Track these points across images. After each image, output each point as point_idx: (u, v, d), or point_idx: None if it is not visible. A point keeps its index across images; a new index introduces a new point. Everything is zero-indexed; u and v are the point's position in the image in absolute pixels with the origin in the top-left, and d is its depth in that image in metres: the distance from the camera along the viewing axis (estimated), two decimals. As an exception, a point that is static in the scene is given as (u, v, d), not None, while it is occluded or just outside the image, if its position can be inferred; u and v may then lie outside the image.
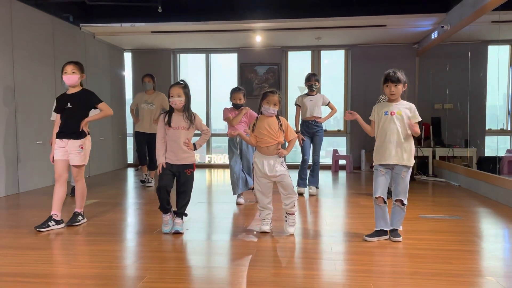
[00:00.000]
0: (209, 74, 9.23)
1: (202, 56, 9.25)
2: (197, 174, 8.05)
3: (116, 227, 3.92)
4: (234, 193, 4.94)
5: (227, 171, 7.74)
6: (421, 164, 7.63)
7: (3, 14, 5.53)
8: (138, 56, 9.20)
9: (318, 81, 5.65)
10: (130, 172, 8.38)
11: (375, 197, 3.39)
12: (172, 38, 8.13)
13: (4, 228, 3.89)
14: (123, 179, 7.44)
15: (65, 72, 3.82)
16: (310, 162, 5.59)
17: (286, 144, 3.62)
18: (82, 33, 7.38)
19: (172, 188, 3.61)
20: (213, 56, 9.29)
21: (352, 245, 3.33)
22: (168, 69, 9.06)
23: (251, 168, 4.15)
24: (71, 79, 3.84)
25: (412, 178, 7.02)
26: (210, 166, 9.06)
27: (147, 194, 5.74)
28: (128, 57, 9.25)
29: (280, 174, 3.46)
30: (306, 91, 5.65)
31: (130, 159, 9.30)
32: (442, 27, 6.63)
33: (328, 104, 5.62)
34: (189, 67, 9.52)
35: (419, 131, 3.33)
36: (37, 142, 6.00)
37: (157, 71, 8.23)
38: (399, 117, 3.34)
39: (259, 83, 8.75)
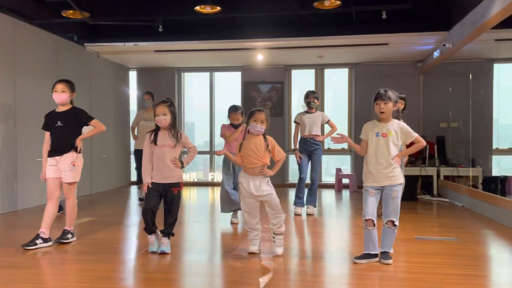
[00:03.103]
0: (213, 93, 9.24)
1: (206, 74, 9.29)
2: (200, 191, 8.08)
3: (104, 246, 3.87)
4: (221, 211, 4.86)
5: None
6: (425, 184, 7.47)
7: (6, 34, 5.62)
8: (143, 74, 9.29)
9: (317, 98, 5.59)
10: (133, 189, 8.37)
11: (365, 219, 3.29)
12: (176, 56, 8.19)
13: (-7, 246, 3.87)
14: (123, 197, 7.43)
15: (55, 91, 3.83)
16: (308, 181, 5.50)
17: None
18: (86, 52, 7.49)
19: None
20: (217, 75, 9.33)
21: (340, 267, 3.23)
22: (172, 87, 9.10)
23: None
24: (61, 98, 3.85)
25: (415, 198, 6.89)
26: (213, 184, 9.00)
27: (144, 213, 5.70)
28: (133, 75, 9.35)
29: (267, 194, 3.40)
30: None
31: (134, 176, 9.30)
32: (444, 45, 6.56)
33: (328, 122, 5.54)
34: (194, 86, 9.56)
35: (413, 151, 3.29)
36: (37, 159, 6.02)
37: (162, 89, 8.28)
38: (391, 138, 3.27)
39: (262, 101, 8.73)
